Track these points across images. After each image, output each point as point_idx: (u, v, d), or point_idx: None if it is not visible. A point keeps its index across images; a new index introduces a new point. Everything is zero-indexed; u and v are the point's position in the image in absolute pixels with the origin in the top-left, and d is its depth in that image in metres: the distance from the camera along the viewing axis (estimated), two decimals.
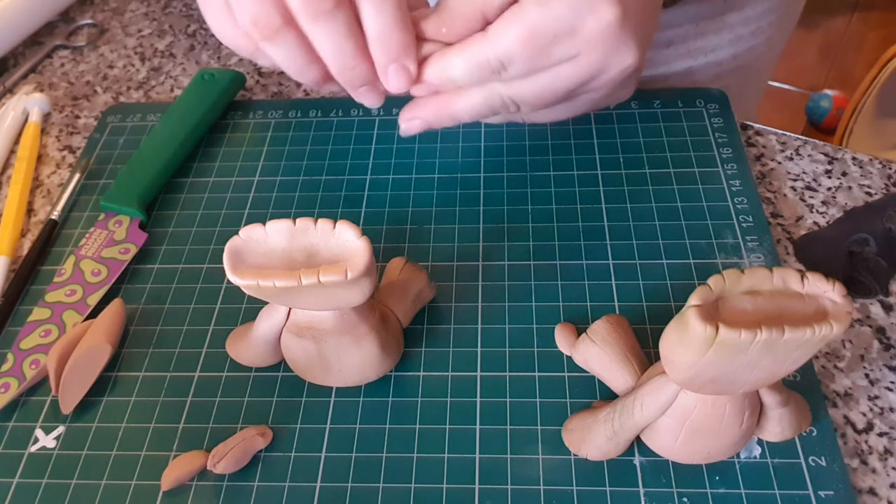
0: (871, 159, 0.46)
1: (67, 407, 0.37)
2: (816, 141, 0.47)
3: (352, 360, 0.35)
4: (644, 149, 0.46)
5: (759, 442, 0.34)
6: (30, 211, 0.48)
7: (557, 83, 0.35)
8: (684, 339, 0.27)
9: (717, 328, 0.25)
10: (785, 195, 0.44)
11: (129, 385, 0.38)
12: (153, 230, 0.45)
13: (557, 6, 0.32)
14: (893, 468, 0.33)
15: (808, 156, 0.47)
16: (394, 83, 0.37)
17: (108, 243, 0.43)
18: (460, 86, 0.36)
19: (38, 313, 0.40)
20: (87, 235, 0.44)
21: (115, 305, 0.40)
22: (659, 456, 0.33)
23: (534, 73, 0.35)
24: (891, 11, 1.89)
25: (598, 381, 0.36)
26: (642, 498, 0.32)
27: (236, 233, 0.31)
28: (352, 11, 0.34)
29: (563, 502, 0.32)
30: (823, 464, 0.33)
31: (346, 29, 0.34)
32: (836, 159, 0.46)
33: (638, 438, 0.34)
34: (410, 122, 0.39)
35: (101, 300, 0.41)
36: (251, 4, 0.33)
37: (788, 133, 0.48)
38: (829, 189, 0.44)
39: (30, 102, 0.54)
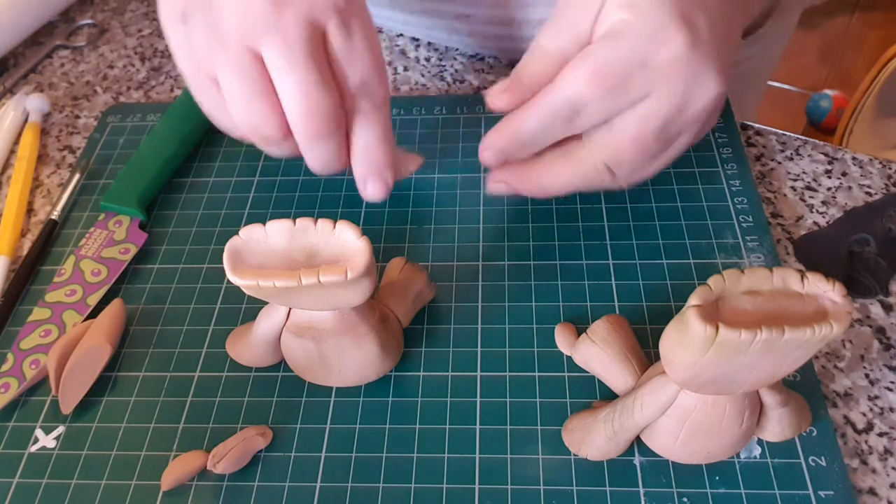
0: (871, 159, 0.46)
1: (67, 407, 0.37)
2: (816, 141, 0.47)
3: (352, 360, 0.35)
4: None
5: (759, 442, 0.34)
6: (30, 211, 0.48)
7: (643, 128, 0.33)
8: (684, 339, 0.27)
9: (717, 328, 0.25)
10: (785, 195, 0.44)
11: (129, 385, 0.38)
12: (153, 230, 0.45)
13: (625, 41, 0.31)
14: (893, 468, 0.33)
15: (808, 156, 0.47)
16: (371, 192, 0.38)
17: (108, 243, 0.43)
18: (535, 147, 0.35)
19: (38, 313, 0.40)
20: (87, 235, 0.44)
21: (115, 305, 0.40)
22: (659, 456, 0.33)
23: (613, 119, 0.33)
24: (891, 11, 1.89)
25: (598, 381, 0.36)
26: (642, 498, 0.32)
27: (236, 233, 0.31)
28: (344, 128, 0.36)
29: (563, 502, 0.32)
30: (823, 464, 0.33)
31: (337, 149, 0.36)
32: (836, 159, 0.46)
33: (638, 438, 0.34)
34: (496, 185, 0.39)
35: (101, 300, 0.41)
36: (250, 114, 0.34)
37: (788, 133, 0.48)
38: (829, 189, 0.44)
39: (30, 102, 0.54)
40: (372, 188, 0.37)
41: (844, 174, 0.45)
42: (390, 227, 0.44)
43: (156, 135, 0.48)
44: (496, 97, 0.35)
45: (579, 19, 0.33)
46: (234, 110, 0.34)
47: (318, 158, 0.36)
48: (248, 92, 0.33)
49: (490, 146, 0.36)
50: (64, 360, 0.37)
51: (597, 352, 0.35)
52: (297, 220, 0.31)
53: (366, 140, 0.36)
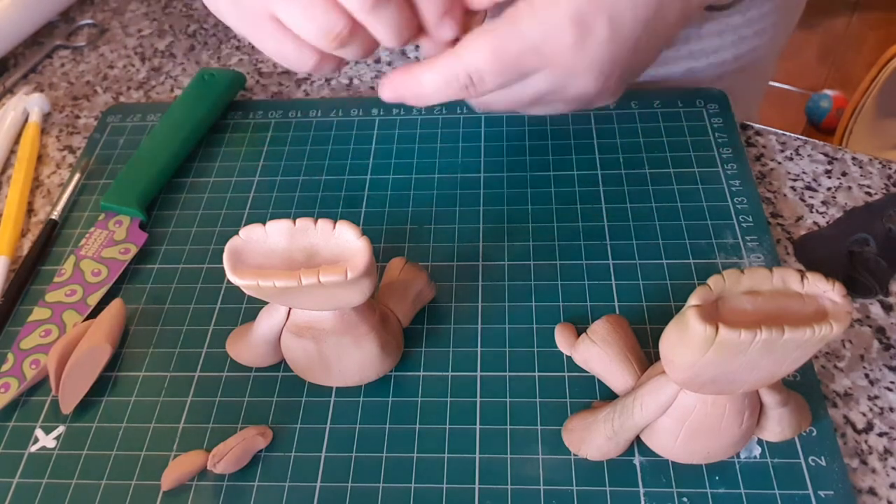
0: (870, 159, 0.46)
1: (67, 407, 0.37)
2: (816, 141, 0.47)
3: (352, 360, 0.35)
4: (644, 149, 0.46)
5: (759, 442, 0.34)
6: (30, 211, 0.48)
7: (522, 93, 0.37)
8: (684, 339, 0.27)
9: (717, 328, 0.25)
10: (785, 195, 0.44)
11: (129, 385, 0.38)
12: (153, 230, 0.45)
13: (528, 24, 0.34)
14: (893, 468, 0.33)
15: (808, 156, 0.47)
16: (447, 28, 0.38)
17: (108, 243, 0.43)
18: (430, 101, 0.37)
19: (39, 313, 0.40)
20: (87, 235, 0.44)
21: (115, 305, 0.40)
22: (659, 456, 0.33)
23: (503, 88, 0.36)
24: (891, 12, 1.89)
25: (598, 381, 0.36)
26: (642, 498, 0.32)
27: (236, 233, 0.31)
28: None
29: (563, 502, 0.32)
30: (823, 464, 0.33)
31: (400, 8, 0.36)
32: (836, 159, 0.46)
33: (638, 438, 0.34)
34: (386, 93, 0.40)
35: (101, 300, 0.41)
36: (317, 20, 0.35)
37: (788, 133, 0.48)
38: (828, 189, 0.44)
39: (30, 102, 0.54)
40: (449, 24, 0.37)
41: (844, 174, 0.45)
42: (390, 227, 0.44)
43: (156, 135, 0.48)
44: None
45: None
46: (302, 27, 0.36)
47: (388, 27, 0.36)
48: (305, 2, 0.35)
49: (390, 90, 0.38)
50: (64, 360, 0.37)
51: (597, 352, 0.35)
52: (297, 220, 0.31)
53: None
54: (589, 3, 0.34)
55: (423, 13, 0.37)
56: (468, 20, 0.38)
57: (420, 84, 0.36)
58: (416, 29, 0.38)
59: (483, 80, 0.35)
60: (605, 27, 0.34)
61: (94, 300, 0.41)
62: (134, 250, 0.43)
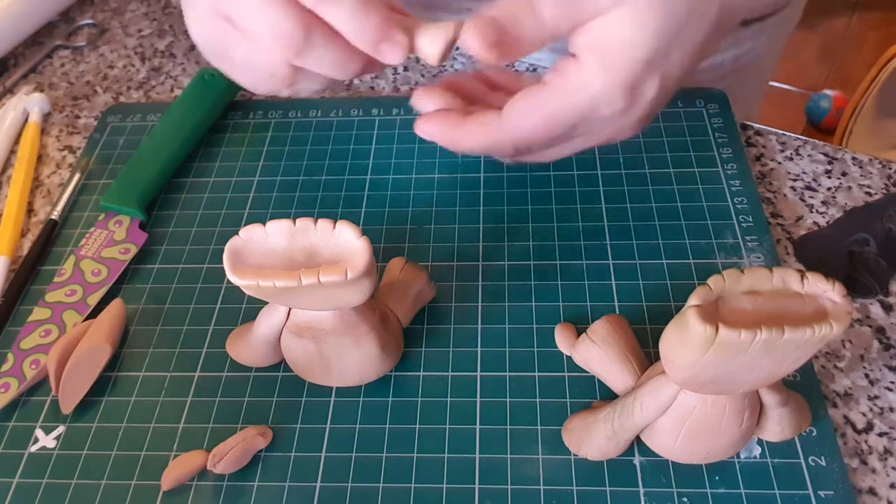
0: (870, 159, 0.46)
1: (67, 407, 0.37)
2: (816, 141, 0.47)
3: (352, 360, 0.35)
4: (644, 149, 0.46)
5: (759, 442, 0.34)
6: (30, 211, 0.48)
7: (562, 153, 0.37)
8: (684, 339, 0.27)
9: (717, 328, 0.25)
10: (785, 195, 0.44)
11: (129, 385, 0.38)
12: (153, 230, 0.45)
13: (581, 97, 0.33)
14: (893, 468, 0.33)
15: (808, 156, 0.47)
16: (388, 53, 0.35)
17: (107, 243, 0.43)
18: (467, 152, 0.37)
19: (38, 313, 0.40)
20: (87, 235, 0.44)
21: (115, 306, 0.40)
22: (659, 456, 0.33)
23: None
24: (891, 12, 1.89)
25: (598, 381, 0.36)
26: (642, 498, 0.32)
27: (236, 233, 0.31)
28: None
29: (563, 502, 0.32)
30: (823, 464, 0.33)
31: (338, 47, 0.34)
32: (836, 159, 0.46)
33: (638, 438, 0.34)
34: (421, 129, 0.39)
35: (101, 300, 0.41)
36: (271, 26, 0.32)
37: (788, 133, 0.48)
38: (828, 189, 0.44)
39: (30, 102, 0.54)
40: (387, 49, 0.35)
41: (844, 174, 0.45)
42: (390, 227, 0.44)
43: (156, 135, 0.48)
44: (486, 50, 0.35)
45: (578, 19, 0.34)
46: (255, 28, 0.33)
47: (329, 61, 0.34)
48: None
49: (429, 131, 0.36)
50: (64, 360, 0.37)
51: (597, 352, 0.35)
52: (297, 220, 0.31)
53: (344, 13, 0.34)
54: (645, 66, 0.32)
55: (356, 42, 0.34)
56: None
57: (462, 142, 0.36)
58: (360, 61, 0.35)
59: (529, 150, 0.36)
60: (655, 87, 0.34)
61: (94, 300, 0.41)
62: (134, 250, 0.43)
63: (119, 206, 0.45)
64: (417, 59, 0.56)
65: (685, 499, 0.32)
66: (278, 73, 0.34)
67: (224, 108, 0.51)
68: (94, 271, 0.42)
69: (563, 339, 0.37)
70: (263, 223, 0.31)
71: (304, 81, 0.35)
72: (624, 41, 0.32)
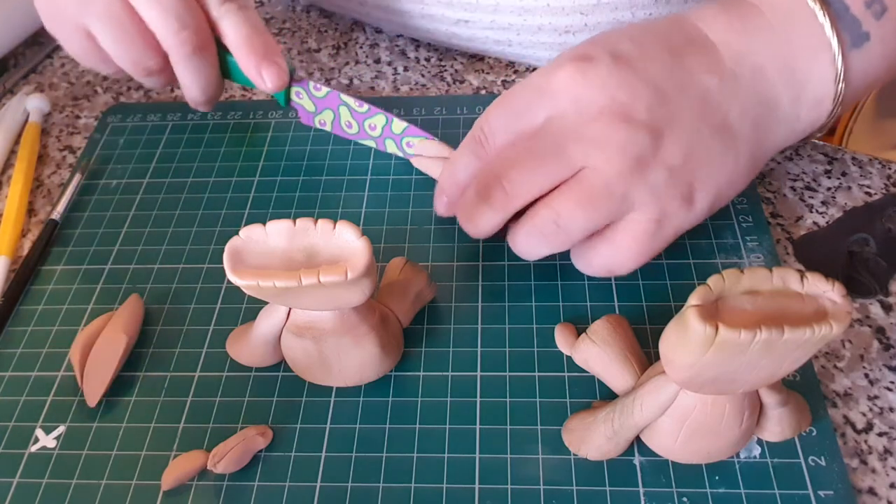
0: (870, 159, 0.46)
1: (93, 400, 0.37)
2: (816, 141, 0.47)
3: (352, 360, 0.35)
4: None
5: (759, 442, 0.34)
6: (30, 211, 0.48)
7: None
8: (684, 339, 0.27)
9: (717, 328, 0.25)
10: (785, 195, 0.44)
11: (128, 385, 0.38)
12: (152, 230, 0.45)
13: (600, 175, 0.34)
14: (893, 468, 0.33)
15: (808, 156, 0.47)
16: (269, 78, 0.42)
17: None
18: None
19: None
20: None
21: (133, 300, 0.40)
22: (659, 456, 0.33)
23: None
24: None
25: (598, 381, 0.36)
26: (642, 498, 0.32)
27: (236, 233, 0.31)
28: (213, 42, 0.42)
29: (563, 502, 0.32)
30: (823, 464, 0.33)
31: (212, 62, 0.42)
32: (836, 159, 0.46)
33: (638, 438, 0.34)
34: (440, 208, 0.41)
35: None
36: (129, 51, 0.39)
37: None
38: (828, 189, 0.44)
39: (30, 102, 0.54)
40: (268, 74, 0.41)
41: (844, 174, 0.45)
42: (390, 227, 0.44)
43: None
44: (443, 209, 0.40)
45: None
46: (114, 52, 0.39)
47: (197, 77, 0.41)
48: (121, 32, 0.39)
49: (452, 214, 0.40)
50: (86, 352, 0.37)
51: (597, 352, 0.35)
52: (297, 221, 0.31)
53: (239, 33, 0.41)
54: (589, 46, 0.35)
55: (242, 65, 0.40)
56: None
57: (519, 244, 0.37)
58: (220, 81, 0.43)
59: (494, 139, 0.37)
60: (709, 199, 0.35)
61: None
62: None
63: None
64: (417, 60, 0.56)
65: (685, 499, 0.32)
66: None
67: None
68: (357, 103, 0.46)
69: (563, 339, 0.37)
70: (263, 223, 0.31)
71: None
72: None
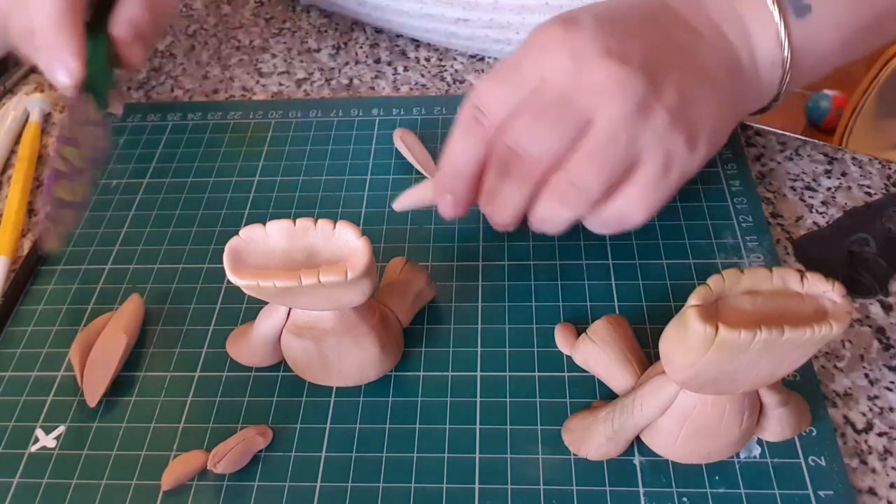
0: (870, 159, 0.46)
1: (93, 400, 0.37)
2: (816, 141, 0.47)
3: (352, 360, 0.35)
4: None
5: (759, 442, 0.34)
6: (30, 211, 0.48)
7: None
8: (684, 339, 0.27)
9: (717, 328, 0.25)
10: (785, 195, 0.44)
11: (128, 385, 0.38)
12: (152, 230, 0.45)
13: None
14: (893, 468, 0.33)
15: (808, 156, 0.47)
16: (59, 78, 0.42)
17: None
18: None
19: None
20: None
21: (133, 300, 0.40)
22: (659, 456, 0.33)
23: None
24: None
25: (598, 381, 0.36)
26: (642, 498, 0.32)
27: (236, 233, 0.31)
28: None
29: (563, 502, 0.32)
30: (823, 464, 0.33)
31: None
32: (836, 159, 0.46)
33: (638, 438, 0.34)
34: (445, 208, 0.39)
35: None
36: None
37: (788, 133, 0.48)
38: (828, 189, 0.44)
39: (30, 102, 0.54)
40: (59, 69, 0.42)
41: (844, 174, 0.45)
42: (390, 227, 0.44)
43: None
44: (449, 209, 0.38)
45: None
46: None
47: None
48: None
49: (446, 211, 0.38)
50: (86, 352, 0.38)
51: (597, 352, 0.35)
52: (297, 221, 0.31)
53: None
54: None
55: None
56: None
57: (534, 214, 0.36)
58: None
59: (499, 115, 0.35)
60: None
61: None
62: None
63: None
64: (417, 60, 0.56)
65: (685, 499, 0.32)
66: None
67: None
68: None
69: (563, 339, 0.37)
70: (263, 223, 0.31)
71: None
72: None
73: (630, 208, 0.35)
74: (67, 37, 0.42)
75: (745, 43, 0.37)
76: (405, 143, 0.47)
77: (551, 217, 0.36)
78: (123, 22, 0.44)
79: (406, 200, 0.41)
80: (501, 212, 0.36)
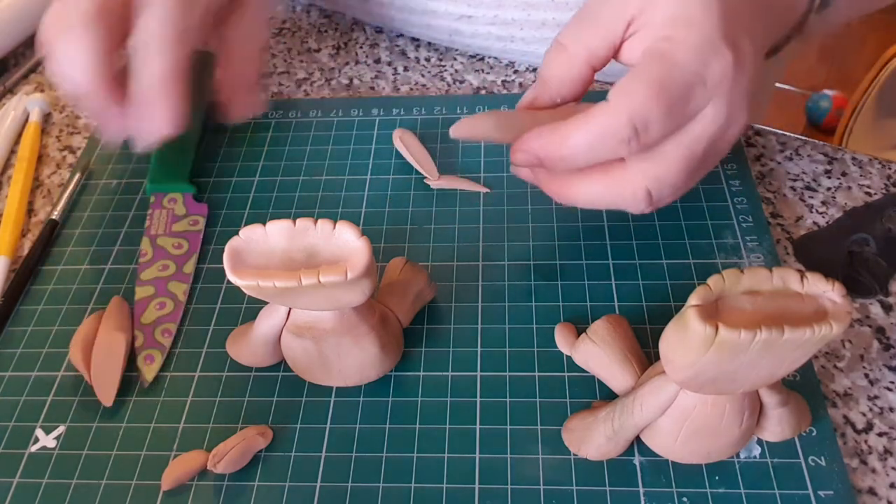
0: (870, 159, 0.46)
1: (107, 399, 0.37)
2: (816, 141, 0.47)
3: (352, 360, 0.35)
4: None
5: (759, 442, 0.34)
6: (30, 211, 0.48)
7: (693, 150, 0.32)
8: (684, 339, 0.27)
9: (717, 328, 0.25)
10: (785, 195, 0.44)
11: (128, 385, 0.38)
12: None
13: (679, 56, 0.30)
14: (893, 468, 0.33)
15: (808, 156, 0.47)
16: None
17: (172, 220, 0.45)
18: (576, 165, 0.32)
19: (142, 291, 0.41)
20: (147, 217, 0.45)
21: (116, 302, 0.40)
22: (659, 456, 0.33)
23: (671, 137, 0.31)
24: (891, 12, 1.89)
25: (598, 381, 0.36)
26: (642, 498, 0.32)
27: (236, 233, 0.31)
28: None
29: (563, 502, 0.32)
30: (823, 464, 0.33)
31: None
32: (836, 159, 0.46)
33: (638, 438, 0.34)
34: (520, 170, 0.37)
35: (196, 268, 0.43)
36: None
37: (788, 133, 0.48)
38: (828, 189, 0.44)
39: (30, 102, 0.54)
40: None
41: (844, 174, 0.45)
42: (390, 227, 0.44)
43: None
44: (526, 105, 0.34)
45: (611, 20, 0.32)
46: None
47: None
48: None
49: (527, 150, 0.32)
50: (87, 352, 0.38)
51: (597, 352, 0.35)
52: (297, 221, 0.31)
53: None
54: (726, 23, 0.30)
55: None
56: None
57: (566, 146, 0.31)
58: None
59: (649, 128, 0.30)
60: (749, 43, 0.31)
61: (189, 268, 0.42)
62: (202, 220, 0.45)
63: (167, 186, 0.46)
64: (417, 60, 0.56)
65: (685, 499, 0.32)
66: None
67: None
68: (174, 245, 0.43)
69: (563, 339, 0.37)
70: (263, 223, 0.31)
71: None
72: (688, 9, 0.30)
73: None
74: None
75: None
76: (404, 144, 0.47)
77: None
78: (230, 85, 0.44)
79: (467, 129, 0.34)
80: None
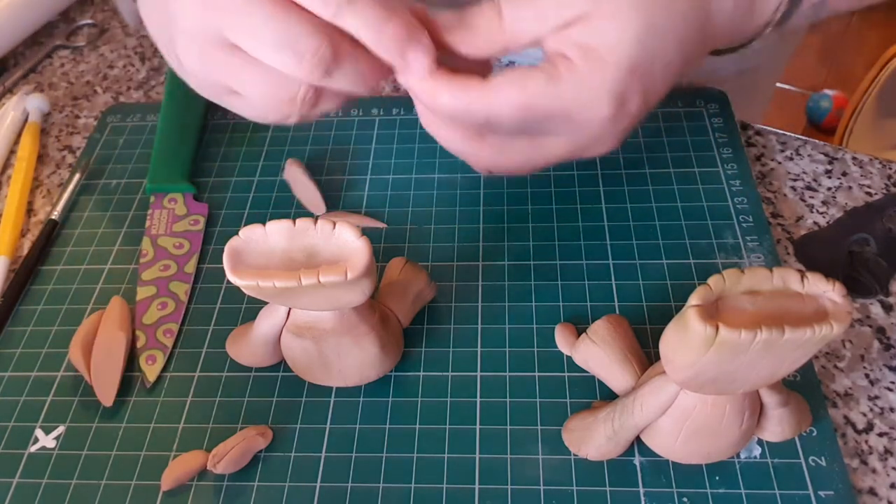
0: (871, 159, 0.46)
1: (107, 399, 0.37)
2: (816, 141, 0.47)
3: (352, 360, 0.35)
4: (644, 149, 0.46)
5: (759, 442, 0.34)
6: (30, 211, 0.48)
7: (537, 156, 0.34)
8: (684, 339, 0.27)
9: (717, 328, 0.25)
10: (785, 195, 0.44)
11: (128, 385, 0.38)
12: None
13: (567, 88, 0.31)
14: (893, 468, 0.33)
15: (808, 156, 0.47)
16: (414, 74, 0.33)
17: (173, 219, 0.45)
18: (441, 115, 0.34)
19: (144, 291, 0.41)
20: (148, 217, 0.45)
21: (115, 302, 0.40)
22: (659, 456, 0.33)
23: (514, 138, 0.34)
24: (891, 11, 1.89)
25: (598, 381, 0.36)
26: (642, 498, 0.32)
27: (236, 233, 0.31)
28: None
29: (563, 502, 0.32)
30: (823, 464, 0.33)
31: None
32: (836, 159, 0.46)
33: (638, 438, 0.34)
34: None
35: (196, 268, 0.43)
36: (295, 45, 0.29)
37: (788, 133, 0.48)
38: (829, 189, 0.44)
39: (30, 102, 0.54)
40: (414, 57, 0.31)
41: (844, 174, 0.45)
42: (390, 227, 0.44)
43: (169, 116, 0.49)
44: (447, 31, 0.33)
45: (546, 12, 0.32)
46: (266, 51, 0.30)
47: (354, 77, 0.31)
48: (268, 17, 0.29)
49: (412, 77, 0.32)
50: (87, 352, 0.38)
51: (597, 352, 0.35)
52: (297, 221, 0.31)
53: (369, 20, 0.30)
54: (631, 76, 0.31)
55: (380, 51, 0.30)
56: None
57: (437, 96, 0.32)
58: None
59: (499, 127, 0.32)
60: (638, 103, 0.32)
61: (191, 268, 0.42)
62: (202, 220, 0.45)
63: (167, 186, 0.46)
64: None
65: (685, 499, 0.32)
66: (300, 97, 0.31)
67: None
68: (175, 245, 0.43)
69: (563, 339, 0.37)
70: (263, 223, 0.31)
71: (324, 102, 0.32)
72: (610, 47, 0.31)
73: None
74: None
75: None
76: (293, 177, 0.46)
77: None
78: None
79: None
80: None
